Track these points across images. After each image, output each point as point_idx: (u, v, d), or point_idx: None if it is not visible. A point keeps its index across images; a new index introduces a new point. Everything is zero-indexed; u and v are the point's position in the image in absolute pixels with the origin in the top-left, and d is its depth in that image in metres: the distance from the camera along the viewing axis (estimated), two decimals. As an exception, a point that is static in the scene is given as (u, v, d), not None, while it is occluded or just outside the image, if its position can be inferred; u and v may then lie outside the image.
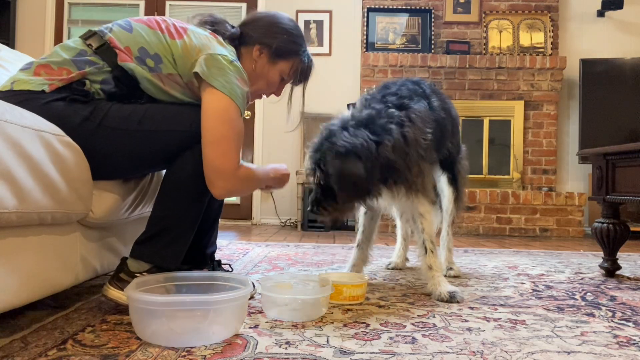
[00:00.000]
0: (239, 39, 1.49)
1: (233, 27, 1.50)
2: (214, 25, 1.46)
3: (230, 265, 1.81)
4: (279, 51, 1.48)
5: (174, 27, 1.37)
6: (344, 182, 1.43)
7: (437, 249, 1.65)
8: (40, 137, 1.07)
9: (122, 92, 1.31)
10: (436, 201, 1.77)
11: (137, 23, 1.36)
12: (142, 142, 1.28)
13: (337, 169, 1.42)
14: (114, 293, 1.26)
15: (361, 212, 1.83)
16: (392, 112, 1.52)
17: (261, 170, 1.48)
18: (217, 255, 1.75)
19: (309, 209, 1.56)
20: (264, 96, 1.61)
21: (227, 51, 1.36)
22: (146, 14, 4.84)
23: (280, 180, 1.55)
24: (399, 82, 1.75)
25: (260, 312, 1.33)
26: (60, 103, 1.22)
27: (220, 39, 1.41)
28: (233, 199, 4.83)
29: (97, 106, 1.26)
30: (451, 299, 1.51)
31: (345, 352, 1.03)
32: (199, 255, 1.61)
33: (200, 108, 1.32)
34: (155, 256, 1.30)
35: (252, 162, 4.78)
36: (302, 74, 1.56)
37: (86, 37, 1.34)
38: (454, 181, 1.98)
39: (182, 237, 1.34)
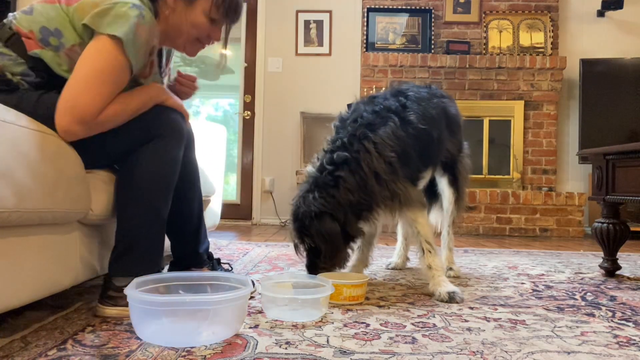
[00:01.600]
0: None
1: None
2: None
3: (230, 265, 1.80)
4: None
5: None
6: (326, 240, 1.52)
7: (438, 249, 1.65)
8: (37, 136, 1.07)
9: (45, 82, 1.26)
10: (426, 204, 1.76)
11: (37, 3, 1.29)
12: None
13: (318, 231, 1.51)
14: (110, 311, 1.25)
15: None
16: (340, 155, 1.54)
17: (137, 97, 1.30)
18: (217, 255, 1.74)
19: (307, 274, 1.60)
20: (207, 45, 1.49)
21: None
22: (146, 13, 4.82)
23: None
24: (378, 97, 1.72)
25: (260, 312, 1.33)
26: None
27: None
28: (233, 199, 4.83)
29: (23, 96, 1.22)
30: (450, 300, 1.51)
31: (345, 352, 1.03)
32: (195, 257, 1.58)
33: (148, 110, 1.29)
34: (135, 269, 1.27)
35: (252, 161, 4.78)
36: (229, 9, 1.43)
37: None
38: (454, 182, 1.97)
39: (155, 243, 1.33)
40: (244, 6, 1.48)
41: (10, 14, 1.31)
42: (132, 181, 1.29)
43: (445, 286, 1.55)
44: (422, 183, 1.89)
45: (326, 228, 1.51)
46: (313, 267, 1.60)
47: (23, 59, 1.25)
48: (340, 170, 1.53)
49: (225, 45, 1.48)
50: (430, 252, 1.60)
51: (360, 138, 1.56)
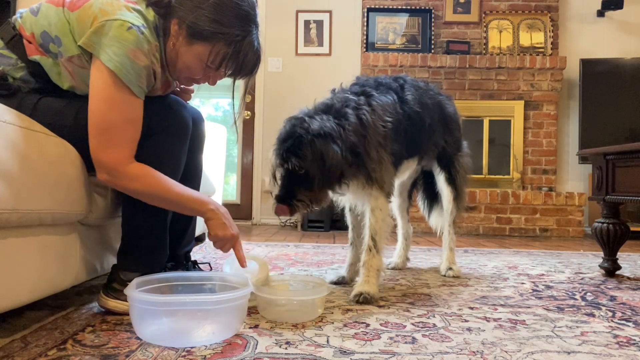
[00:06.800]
0: (165, 8, 1.23)
1: None
2: None
3: (209, 264, 1.78)
4: (193, 30, 1.21)
5: None
6: (324, 164, 1.39)
7: (384, 250, 1.53)
8: (37, 138, 1.08)
9: (45, 88, 1.22)
10: (392, 194, 1.62)
11: (46, 3, 1.22)
12: (82, 138, 1.17)
13: (317, 151, 1.38)
14: (111, 303, 1.26)
15: (346, 209, 1.80)
16: (347, 97, 1.53)
17: (188, 192, 1.25)
18: (217, 256, 1.73)
19: (276, 205, 1.42)
20: (207, 83, 1.38)
21: (132, 17, 1.15)
22: (146, 13, 4.82)
23: (219, 229, 1.27)
24: (379, 77, 1.78)
25: (260, 312, 1.33)
26: None
27: (141, 6, 1.22)
28: (233, 199, 4.83)
29: (23, 99, 1.20)
30: (354, 297, 1.42)
31: (345, 352, 1.03)
32: (172, 257, 1.54)
33: (150, 103, 1.22)
34: (141, 265, 1.29)
35: (252, 161, 4.78)
36: (232, 64, 1.27)
37: (2, 28, 1.24)
38: (452, 180, 1.97)
39: (157, 240, 1.33)
40: (258, 60, 1.33)
41: (18, 11, 1.26)
42: None
43: (360, 287, 1.45)
44: (402, 173, 1.85)
45: (330, 150, 1.36)
46: (288, 196, 1.43)
47: (23, 63, 1.21)
48: (348, 108, 1.49)
49: (239, 102, 1.38)
50: (370, 250, 1.49)
51: (366, 95, 1.57)
